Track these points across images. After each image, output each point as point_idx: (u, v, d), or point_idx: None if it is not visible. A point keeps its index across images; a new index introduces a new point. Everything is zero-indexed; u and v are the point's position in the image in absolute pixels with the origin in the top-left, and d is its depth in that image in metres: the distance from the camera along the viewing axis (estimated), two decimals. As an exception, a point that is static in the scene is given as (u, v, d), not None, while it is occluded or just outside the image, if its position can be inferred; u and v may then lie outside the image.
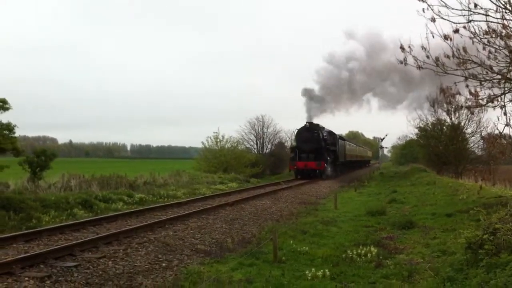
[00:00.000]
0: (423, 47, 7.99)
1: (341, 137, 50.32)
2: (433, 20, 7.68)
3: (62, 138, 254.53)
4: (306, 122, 40.45)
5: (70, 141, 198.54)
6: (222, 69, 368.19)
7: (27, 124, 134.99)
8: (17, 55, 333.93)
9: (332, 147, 43.14)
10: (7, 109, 22.79)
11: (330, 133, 44.82)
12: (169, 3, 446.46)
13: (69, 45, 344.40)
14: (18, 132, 23.05)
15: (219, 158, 41.44)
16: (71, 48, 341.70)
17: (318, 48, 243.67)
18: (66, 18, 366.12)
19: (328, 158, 40.48)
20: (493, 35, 7.90)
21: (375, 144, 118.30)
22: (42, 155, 24.18)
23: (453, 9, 7.75)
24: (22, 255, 9.40)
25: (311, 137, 39.20)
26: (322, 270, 9.17)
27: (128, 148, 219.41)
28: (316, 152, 38.83)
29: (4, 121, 22.83)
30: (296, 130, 41.47)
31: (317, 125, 41.09)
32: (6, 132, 22.25)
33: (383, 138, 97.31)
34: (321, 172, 38.97)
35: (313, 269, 9.30)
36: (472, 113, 8.71)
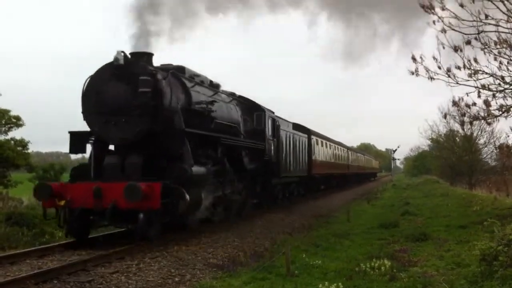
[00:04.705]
0: (434, 58, 8.00)
1: (297, 126, 26.55)
2: (444, 31, 7.69)
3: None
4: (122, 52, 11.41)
5: (83, 156, 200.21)
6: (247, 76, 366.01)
7: (40, 139, 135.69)
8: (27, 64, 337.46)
9: (252, 141, 17.55)
10: (20, 125, 23.11)
11: (246, 103, 18.79)
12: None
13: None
14: (31, 148, 23.34)
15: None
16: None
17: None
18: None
19: (203, 167, 12.65)
20: (504, 45, 7.88)
21: (388, 156, 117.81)
22: (51, 170, 24.43)
23: (463, 20, 7.75)
24: (35, 271, 9.43)
25: (130, 95, 11.37)
26: (335, 284, 9.08)
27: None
28: (139, 147, 11.81)
29: (18, 137, 23.13)
30: (87, 81, 11.92)
31: (178, 67, 13.84)
32: (19, 148, 22.54)
33: (395, 149, 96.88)
34: (151, 216, 10.84)
35: (326, 282, 9.21)
36: (489, 124, 8.66)
